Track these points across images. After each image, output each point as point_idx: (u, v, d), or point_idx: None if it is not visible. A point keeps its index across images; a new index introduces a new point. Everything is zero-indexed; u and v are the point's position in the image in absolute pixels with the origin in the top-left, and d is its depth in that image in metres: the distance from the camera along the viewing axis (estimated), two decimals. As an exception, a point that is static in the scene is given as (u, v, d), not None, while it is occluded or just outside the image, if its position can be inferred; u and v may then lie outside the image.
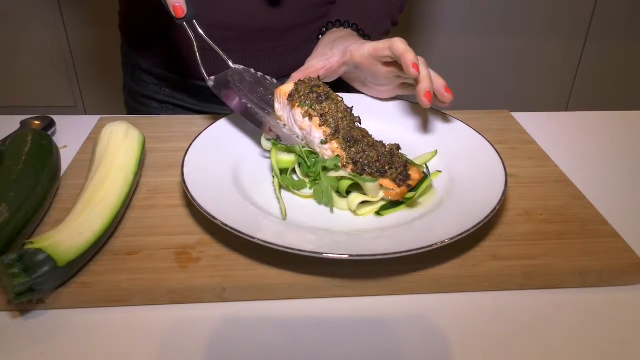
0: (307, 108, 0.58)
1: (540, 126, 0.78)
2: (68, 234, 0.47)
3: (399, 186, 0.54)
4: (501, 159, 0.59)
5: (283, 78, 0.73)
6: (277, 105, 0.63)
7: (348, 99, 0.66)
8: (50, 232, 0.47)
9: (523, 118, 0.79)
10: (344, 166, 0.56)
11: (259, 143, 0.64)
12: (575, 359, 0.43)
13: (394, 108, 0.72)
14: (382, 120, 0.70)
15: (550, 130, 0.78)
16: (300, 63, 0.71)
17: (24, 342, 0.44)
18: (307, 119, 0.58)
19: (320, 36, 0.76)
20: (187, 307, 0.48)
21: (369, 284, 0.49)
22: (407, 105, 0.72)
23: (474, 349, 0.44)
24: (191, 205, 0.57)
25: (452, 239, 0.47)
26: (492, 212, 0.50)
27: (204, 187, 0.54)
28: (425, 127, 0.69)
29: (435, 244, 0.46)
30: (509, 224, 0.55)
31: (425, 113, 0.70)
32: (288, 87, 0.61)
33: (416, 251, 0.46)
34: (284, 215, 0.54)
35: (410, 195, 0.55)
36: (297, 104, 0.59)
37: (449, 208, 0.54)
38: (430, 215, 0.54)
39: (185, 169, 0.56)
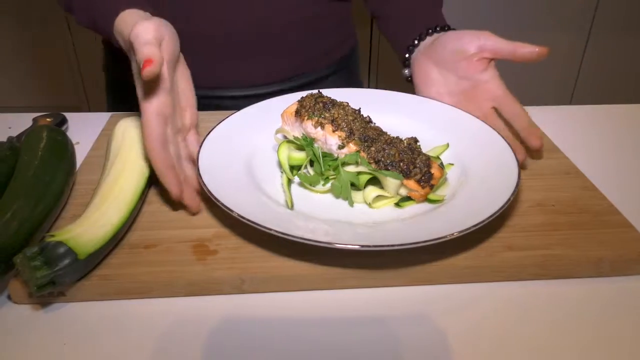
0: (316, 118, 0.59)
1: (548, 119, 0.78)
2: (87, 227, 0.47)
3: (423, 187, 0.55)
4: (513, 151, 0.59)
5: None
6: (286, 128, 0.63)
7: (352, 99, 0.66)
8: (70, 226, 0.47)
9: (531, 111, 0.79)
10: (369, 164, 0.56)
11: (271, 137, 0.65)
12: (590, 347, 0.44)
13: (402, 103, 0.72)
14: (392, 115, 0.70)
15: (558, 124, 0.78)
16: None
17: (45, 334, 0.45)
18: (319, 128, 0.59)
19: (407, 67, 0.77)
20: (205, 299, 0.48)
21: (384, 275, 0.49)
22: (415, 99, 0.73)
23: (488, 338, 0.44)
24: (206, 198, 0.57)
25: (466, 230, 0.47)
26: (506, 203, 0.50)
27: (219, 180, 0.55)
28: (435, 120, 0.69)
29: (452, 234, 0.47)
30: (522, 215, 0.56)
31: (435, 107, 0.71)
32: (292, 107, 0.62)
33: (430, 242, 0.46)
34: (290, 206, 0.54)
35: (436, 197, 0.55)
36: (305, 117, 0.59)
37: (463, 200, 0.54)
38: (445, 207, 0.54)
39: (200, 163, 0.56)
